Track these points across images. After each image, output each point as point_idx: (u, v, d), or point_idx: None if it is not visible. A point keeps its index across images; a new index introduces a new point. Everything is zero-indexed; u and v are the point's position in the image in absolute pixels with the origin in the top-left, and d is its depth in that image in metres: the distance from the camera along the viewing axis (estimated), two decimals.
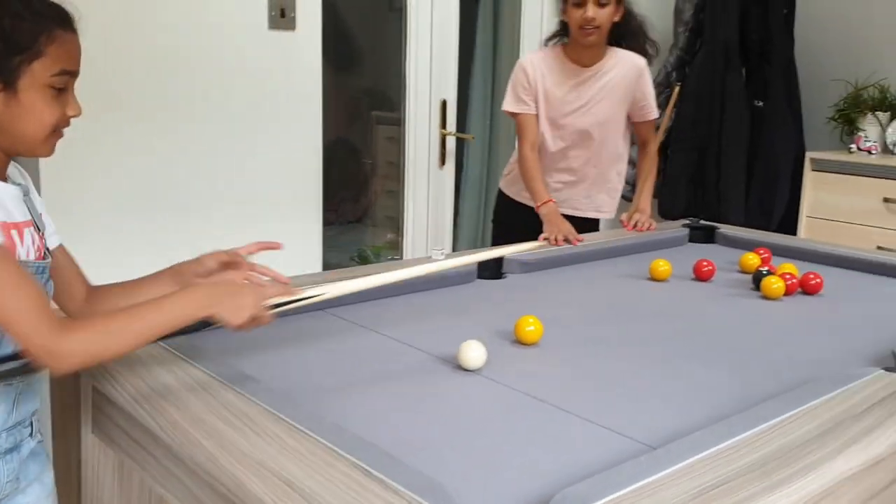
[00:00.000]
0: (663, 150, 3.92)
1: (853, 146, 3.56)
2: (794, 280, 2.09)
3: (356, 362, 1.48)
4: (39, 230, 1.26)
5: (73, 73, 1.19)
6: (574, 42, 2.67)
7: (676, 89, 2.72)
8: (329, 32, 3.03)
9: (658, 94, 3.90)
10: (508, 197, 2.94)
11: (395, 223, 3.89)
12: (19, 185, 1.26)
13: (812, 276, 2.11)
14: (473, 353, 1.44)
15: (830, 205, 3.43)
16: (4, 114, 1.14)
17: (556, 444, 1.18)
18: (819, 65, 3.87)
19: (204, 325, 1.27)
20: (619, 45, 2.74)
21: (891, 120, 3.55)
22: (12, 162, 1.26)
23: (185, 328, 1.20)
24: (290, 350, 1.50)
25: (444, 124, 3.58)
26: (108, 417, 1.38)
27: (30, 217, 1.25)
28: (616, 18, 2.63)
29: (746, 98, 3.71)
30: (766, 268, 2.15)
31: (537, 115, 2.74)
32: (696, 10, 3.80)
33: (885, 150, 3.55)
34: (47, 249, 1.28)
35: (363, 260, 4.01)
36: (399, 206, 3.70)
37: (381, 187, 4.23)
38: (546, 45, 2.81)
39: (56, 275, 1.32)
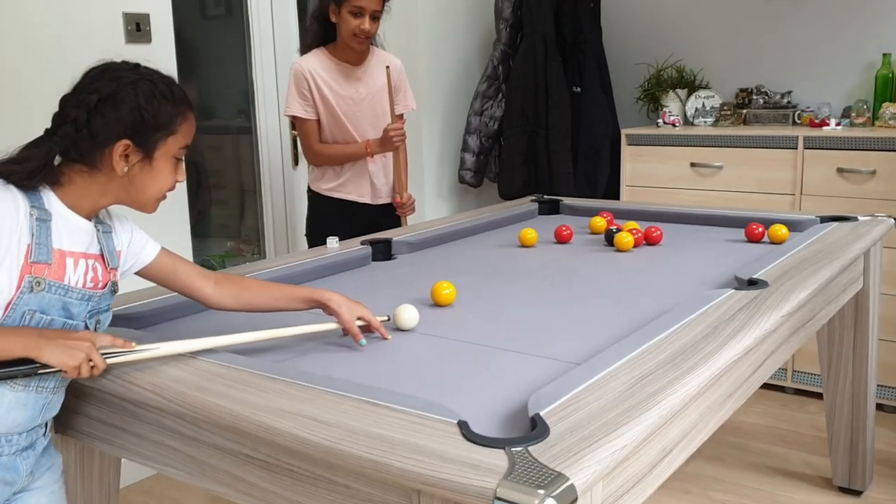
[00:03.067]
0: (497, 137, 4.26)
1: (660, 121, 4.00)
2: (639, 234, 2.44)
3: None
4: (107, 265, 1.40)
5: (189, 147, 1.41)
6: (343, 45, 2.88)
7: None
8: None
9: (488, 87, 4.24)
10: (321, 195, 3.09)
11: (232, 231, 3.96)
12: (103, 223, 1.42)
13: (654, 229, 2.47)
14: (409, 314, 1.65)
15: (646, 173, 3.85)
16: (138, 176, 1.37)
17: (504, 370, 1.42)
18: (625, 51, 4.33)
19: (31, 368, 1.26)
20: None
21: (688, 96, 4.03)
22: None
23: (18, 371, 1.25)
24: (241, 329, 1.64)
25: (293, 126, 3.71)
26: (70, 410, 1.50)
27: (98, 252, 1.39)
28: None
29: (566, 85, 4.08)
30: (615, 226, 2.49)
31: (320, 117, 2.93)
32: (514, 7, 4.12)
33: (686, 122, 4.03)
34: (114, 283, 1.42)
35: (209, 269, 4.04)
36: (257, 208, 3.81)
37: (212, 197, 4.26)
38: (307, 50, 2.96)
39: (171, 278, 1.54)
